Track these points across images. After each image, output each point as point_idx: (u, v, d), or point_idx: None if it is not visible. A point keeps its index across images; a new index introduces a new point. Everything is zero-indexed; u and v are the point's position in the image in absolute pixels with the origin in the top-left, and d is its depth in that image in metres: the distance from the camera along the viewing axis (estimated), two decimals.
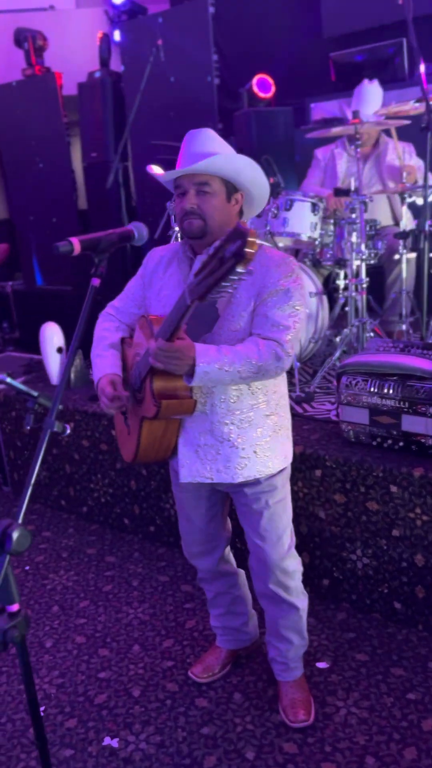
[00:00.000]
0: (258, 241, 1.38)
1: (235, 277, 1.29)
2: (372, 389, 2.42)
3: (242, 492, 1.92)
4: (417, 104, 3.11)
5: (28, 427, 1.43)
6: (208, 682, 2.27)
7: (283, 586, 2.00)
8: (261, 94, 5.75)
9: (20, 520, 1.28)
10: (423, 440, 2.36)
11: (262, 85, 5.78)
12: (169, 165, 3.99)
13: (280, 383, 1.90)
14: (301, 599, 2.07)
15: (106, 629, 2.60)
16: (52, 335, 3.74)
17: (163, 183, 1.87)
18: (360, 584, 2.53)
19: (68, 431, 1.37)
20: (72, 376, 3.69)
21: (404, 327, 3.44)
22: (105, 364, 1.93)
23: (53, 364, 3.76)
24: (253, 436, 1.84)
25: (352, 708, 2.12)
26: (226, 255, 1.29)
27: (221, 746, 2.02)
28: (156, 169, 1.76)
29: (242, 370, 1.67)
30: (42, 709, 2.22)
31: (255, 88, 5.73)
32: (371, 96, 3.68)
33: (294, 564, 2.03)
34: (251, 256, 1.25)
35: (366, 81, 3.79)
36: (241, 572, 2.26)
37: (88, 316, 1.45)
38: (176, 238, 3.99)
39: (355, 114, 3.08)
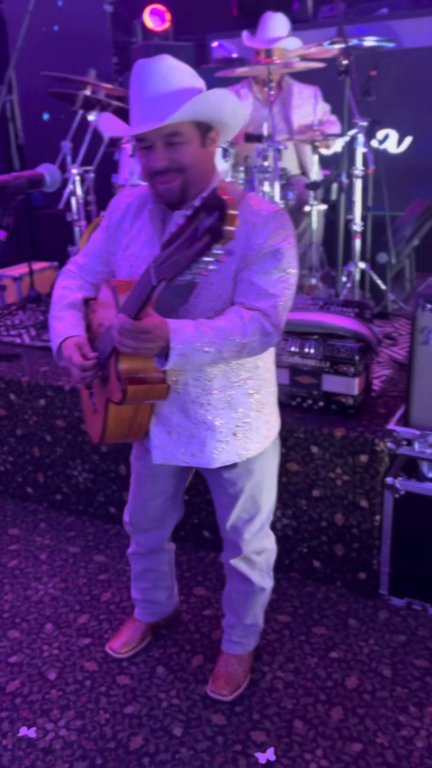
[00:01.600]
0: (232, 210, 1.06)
1: (211, 259, 1.06)
2: (293, 349, 2.34)
3: (217, 473, 1.74)
4: (331, 46, 2.97)
5: None
6: (128, 657, 2.18)
7: (248, 562, 1.89)
8: (154, 27, 5.39)
9: None
10: (343, 400, 2.32)
11: (156, 16, 5.41)
12: (64, 100, 3.64)
13: (266, 355, 1.67)
14: (266, 579, 1.95)
15: (14, 609, 2.42)
16: None
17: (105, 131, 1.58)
18: (279, 544, 2.48)
19: None
20: None
21: (314, 281, 3.39)
22: (64, 327, 1.64)
23: None
24: (232, 417, 1.63)
25: (278, 672, 2.10)
26: (200, 228, 1.05)
27: (147, 725, 1.94)
28: (105, 124, 1.44)
29: (225, 349, 1.44)
30: None
31: (147, 19, 5.36)
32: (277, 27, 3.49)
33: (265, 543, 1.91)
34: (231, 235, 1.02)
35: (270, 12, 3.58)
36: (174, 547, 2.13)
37: None
38: (72, 183, 3.68)
39: (268, 53, 2.89)
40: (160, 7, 5.38)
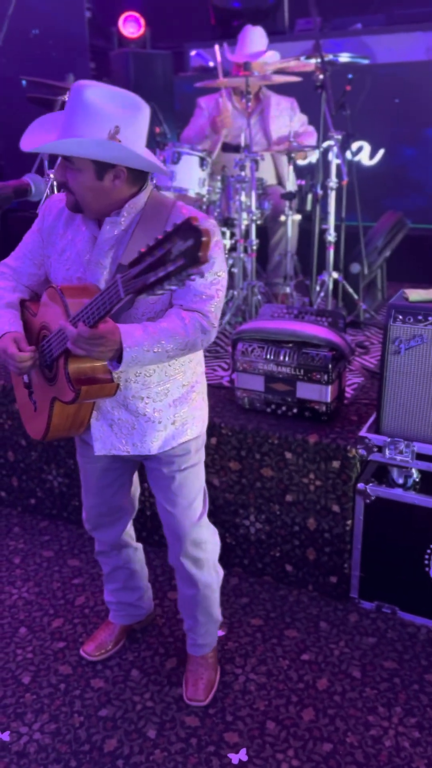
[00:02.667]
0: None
1: (184, 280, 1.16)
2: (268, 356, 2.39)
3: (156, 457, 1.82)
4: (308, 60, 3.03)
5: None
6: (102, 660, 2.19)
7: (193, 559, 1.92)
8: (128, 35, 5.41)
9: None
10: (317, 407, 2.38)
11: (131, 24, 5.43)
12: (43, 105, 3.65)
13: None
14: (212, 575, 1.99)
15: None
16: None
17: None
18: (252, 549, 2.54)
19: None
20: None
21: (288, 290, 3.45)
22: (2, 323, 1.71)
23: None
24: (170, 408, 1.74)
25: (251, 674, 2.13)
26: (173, 251, 1.14)
27: (121, 727, 1.96)
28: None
29: (170, 348, 1.55)
30: None
31: (122, 27, 5.38)
32: (257, 41, 3.55)
33: (206, 535, 1.94)
34: (206, 260, 1.13)
35: (249, 26, 3.65)
36: (140, 546, 2.17)
37: None
38: (50, 188, 3.69)
39: (246, 66, 2.94)
40: (135, 14, 5.41)
